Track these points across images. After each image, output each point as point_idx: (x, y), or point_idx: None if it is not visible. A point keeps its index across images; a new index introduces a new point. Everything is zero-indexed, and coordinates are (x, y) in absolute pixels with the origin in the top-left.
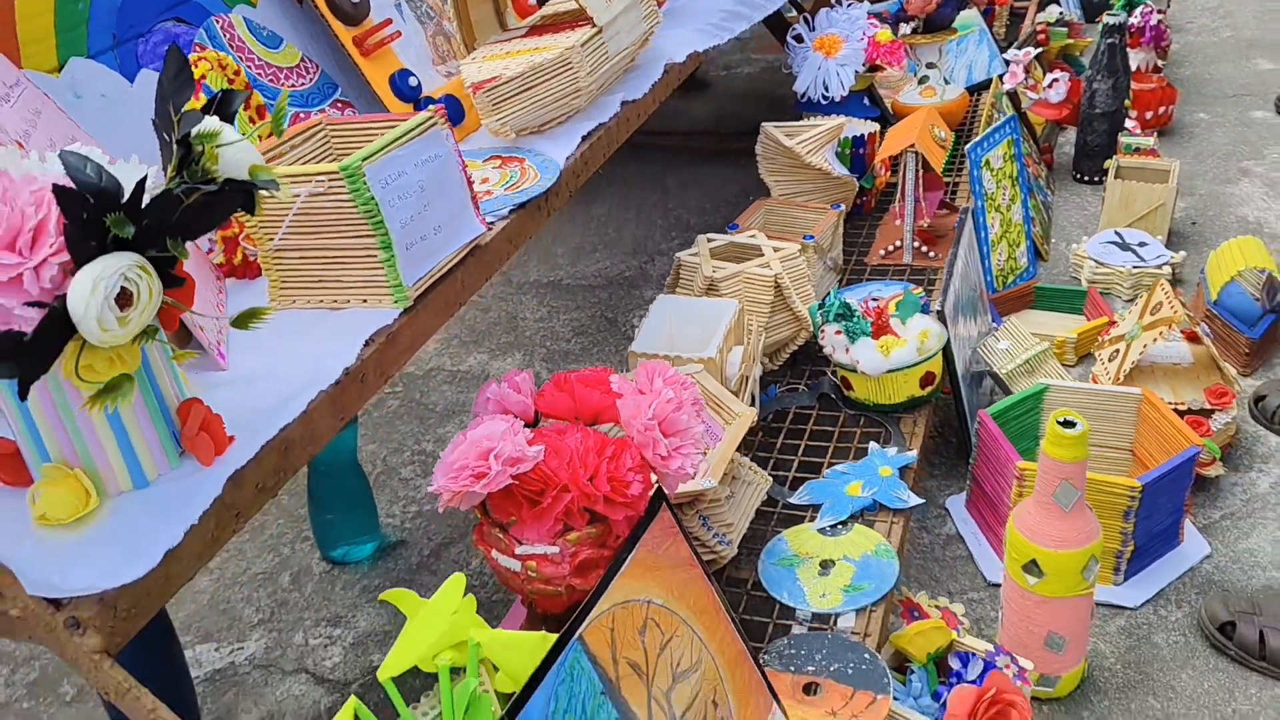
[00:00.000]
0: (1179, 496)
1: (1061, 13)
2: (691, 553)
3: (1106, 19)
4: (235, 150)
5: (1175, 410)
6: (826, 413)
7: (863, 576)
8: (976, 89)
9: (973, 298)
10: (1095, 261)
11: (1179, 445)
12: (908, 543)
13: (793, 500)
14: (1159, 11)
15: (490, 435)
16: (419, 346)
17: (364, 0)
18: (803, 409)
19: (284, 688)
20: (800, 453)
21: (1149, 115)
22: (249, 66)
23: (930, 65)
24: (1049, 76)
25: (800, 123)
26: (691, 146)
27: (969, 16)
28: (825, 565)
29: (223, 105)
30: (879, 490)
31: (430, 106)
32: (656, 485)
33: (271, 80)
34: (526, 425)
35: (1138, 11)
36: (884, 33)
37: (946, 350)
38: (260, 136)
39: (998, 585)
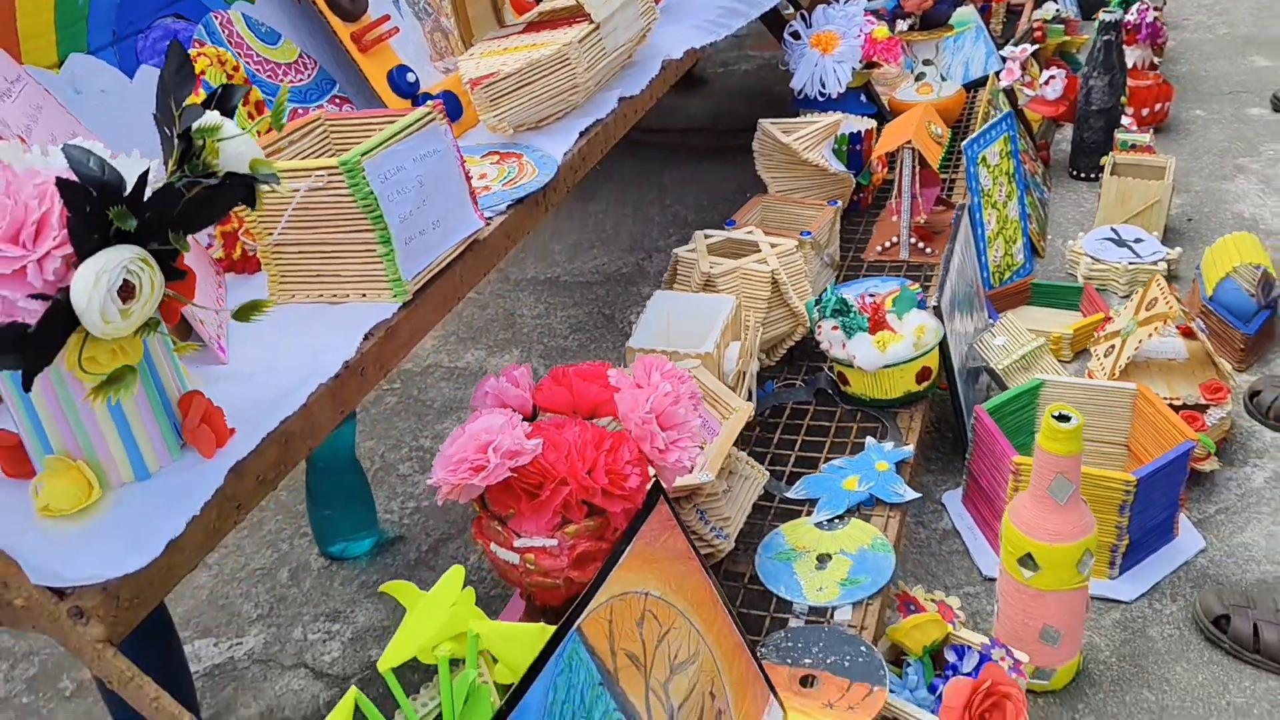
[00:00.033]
0: (1174, 491)
1: (1058, 10)
2: (689, 546)
3: (1103, 16)
4: (236, 144)
5: (1170, 405)
6: (823, 408)
7: (859, 570)
8: (973, 86)
9: (969, 294)
10: (1091, 258)
11: (1174, 440)
12: (904, 537)
13: (790, 495)
14: (1155, 8)
15: (489, 429)
16: (418, 340)
17: None
18: (800, 404)
19: (283, 682)
20: (797, 448)
21: (1145, 112)
22: (247, 62)
23: (927, 62)
24: (1045, 73)
25: (797, 119)
26: (689, 143)
27: (966, 13)
28: (822, 559)
29: (223, 100)
30: (876, 485)
31: (428, 102)
32: (654, 478)
33: (270, 76)
34: (525, 419)
35: (1134, 8)
36: (881, 29)
37: (943, 346)
38: (259, 132)
39: (994, 579)
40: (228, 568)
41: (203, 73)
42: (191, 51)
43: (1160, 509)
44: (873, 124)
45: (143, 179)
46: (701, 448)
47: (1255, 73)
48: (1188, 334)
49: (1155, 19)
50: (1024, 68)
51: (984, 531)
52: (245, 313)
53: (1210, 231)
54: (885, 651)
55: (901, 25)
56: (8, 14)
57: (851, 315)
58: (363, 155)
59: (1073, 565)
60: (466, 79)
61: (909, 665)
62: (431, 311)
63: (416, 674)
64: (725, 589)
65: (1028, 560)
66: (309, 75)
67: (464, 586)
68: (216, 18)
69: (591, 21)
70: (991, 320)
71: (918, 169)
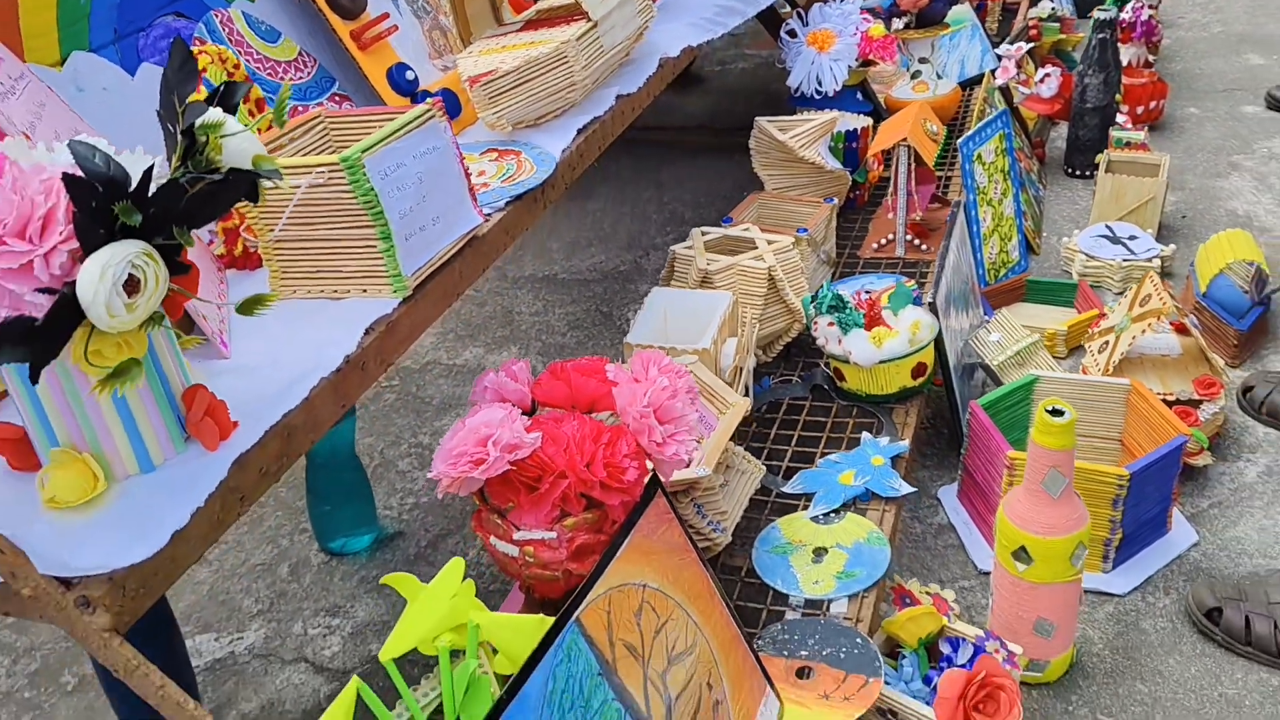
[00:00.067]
0: (1167, 485)
1: (1053, 8)
2: (686, 539)
3: (1098, 14)
4: (239, 141)
5: (1164, 401)
6: (819, 403)
7: (855, 564)
8: (969, 84)
9: (965, 290)
10: (1086, 255)
11: (1167, 435)
12: (899, 531)
13: (786, 489)
14: (1150, 7)
15: (488, 422)
16: (418, 335)
17: None
18: (796, 400)
19: (283, 677)
20: (793, 443)
21: (1140, 110)
22: (248, 60)
23: (923, 60)
24: (1041, 71)
25: (794, 117)
26: (686, 141)
27: (961, 11)
28: (818, 553)
29: (225, 97)
30: (871, 479)
31: (428, 100)
32: (652, 472)
33: (270, 74)
34: (524, 413)
35: (1129, 7)
36: (877, 28)
37: (938, 342)
38: (261, 129)
39: (988, 573)
40: (228, 563)
41: (203, 70)
42: (192, 49)
43: (1153, 503)
44: (869, 122)
45: (147, 175)
46: (699, 442)
47: (1250, 70)
48: (1181, 330)
49: (1150, 17)
50: (1019, 65)
51: (979, 525)
52: (248, 307)
53: (1204, 228)
54: (881, 644)
55: (897, 23)
56: (11, 13)
57: (847, 311)
58: (363, 152)
59: (1066, 559)
60: (465, 77)
61: (904, 657)
62: (431, 307)
63: (417, 667)
64: (722, 582)
65: (1022, 553)
66: (309, 73)
67: (464, 579)
68: (217, 16)
69: (589, 20)
70: (987, 316)
71: (913, 166)
